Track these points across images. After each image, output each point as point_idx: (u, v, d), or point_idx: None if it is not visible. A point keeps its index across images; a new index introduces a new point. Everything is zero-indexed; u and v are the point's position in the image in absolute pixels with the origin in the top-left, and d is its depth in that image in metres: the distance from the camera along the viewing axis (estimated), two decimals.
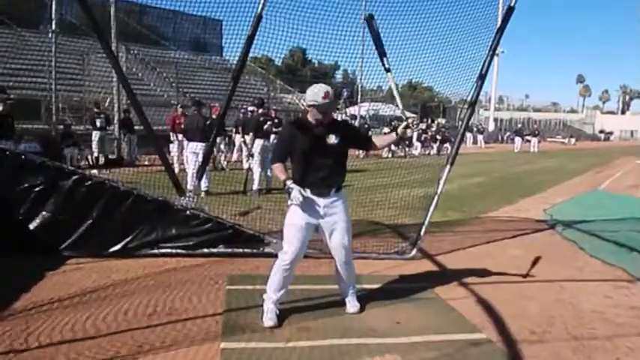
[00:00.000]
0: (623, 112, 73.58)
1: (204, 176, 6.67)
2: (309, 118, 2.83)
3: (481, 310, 3.15)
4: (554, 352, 2.63)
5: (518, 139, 25.33)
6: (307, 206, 2.75)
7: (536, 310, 3.23)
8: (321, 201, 2.77)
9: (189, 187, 6.41)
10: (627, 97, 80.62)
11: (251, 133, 7.56)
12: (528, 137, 25.75)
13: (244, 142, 9.81)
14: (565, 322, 3.05)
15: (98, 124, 10.55)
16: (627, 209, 7.07)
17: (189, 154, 7.38)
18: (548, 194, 9.16)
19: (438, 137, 19.62)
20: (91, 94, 13.98)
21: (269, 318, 2.78)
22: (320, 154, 2.75)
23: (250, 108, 8.32)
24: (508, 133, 33.85)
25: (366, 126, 16.55)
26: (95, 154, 10.69)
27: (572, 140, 39.18)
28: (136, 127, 11.31)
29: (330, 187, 2.79)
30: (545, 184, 10.68)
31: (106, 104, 11.79)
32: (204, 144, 6.85)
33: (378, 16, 5.02)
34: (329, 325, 2.83)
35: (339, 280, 3.05)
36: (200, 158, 6.74)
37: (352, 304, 3.04)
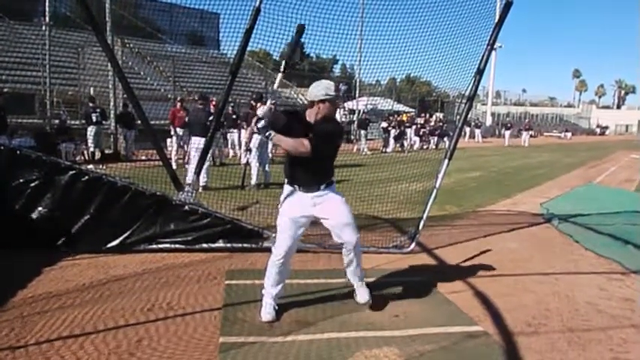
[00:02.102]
0: (618, 107, 73.91)
1: (204, 171, 6.70)
2: (309, 115, 2.78)
3: (478, 303, 3.18)
4: (549, 344, 2.66)
5: (507, 133, 25.34)
6: (299, 201, 2.77)
7: (532, 302, 3.27)
8: (310, 195, 2.77)
9: (189, 181, 6.56)
10: (622, 92, 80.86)
11: (249, 128, 7.54)
12: (523, 131, 25.92)
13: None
14: (560, 314, 3.09)
15: (94, 118, 10.44)
16: (622, 203, 7.12)
17: (192, 148, 7.43)
18: (545, 188, 9.21)
19: (438, 132, 19.70)
20: (86, 87, 13.84)
21: (267, 312, 2.79)
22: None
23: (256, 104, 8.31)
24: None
25: (367, 121, 16.57)
26: (91, 149, 10.61)
27: (568, 135, 39.34)
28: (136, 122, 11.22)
29: (319, 184, 2.79)
30: (541, 178, 10.75)
31: (92, 93, 11.60)
32: (204, 138, 6.90)
33: (377, 9, 5.01)
34: (327, 319, 2.84)
35: (349, 265, 2.94)
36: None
37: (362, 294, 2.96)
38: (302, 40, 2.83)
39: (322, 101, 2.73)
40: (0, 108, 7.88)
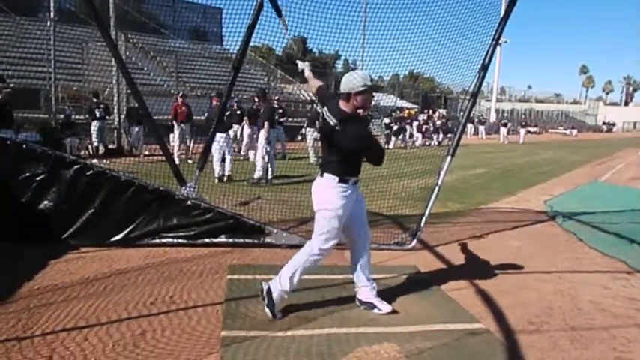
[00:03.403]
0: (626, 104, 73.20)
1: (228, 162, 7.63)
2: (344, 106, 2.68)
3: (480, 301, 3.18)
4: (551, 342, 2.65)
5: (503, 130, 25.00)
6: (352, 195, 2.78)
7: (534, 300, 3.26)
8: (355, 187, 2.82)
9: (217, 174, 7.40)
10: (630, 89, 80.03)
11: (266, 124, 7.59)
12: (520, 128, 25.67)
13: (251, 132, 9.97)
14: (563, 312, 3.07)
15: (97, 114, 10.45)
16: (627, 201, 7.06)
17: (214, 143, 7.87)
18: (549, 186, 9.15)
19: (442, 128, 19.62)
20: (90, 83, 13.90)
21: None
22: (352, 146, 2.71)
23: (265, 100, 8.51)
24: (510, 125, 33.79)
25: (369, 117, 16.53)
26: (95, 144, 10.64)
27: (574, 132, 39.08)
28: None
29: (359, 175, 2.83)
30: (545, 176, 10.67)
31: (105, 93, 11.63)
32: (226, 134, 7.75)
33: (380, 4, 4.97)
34: (328, 314, 2.85)
35: (361, 272, 2.91)
36: (225, 148, 7.62)
37: (383, 305, 2.90)
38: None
39: (361, 92, 2.64)
40: (6, 103, 7.93)
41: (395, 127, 17.43)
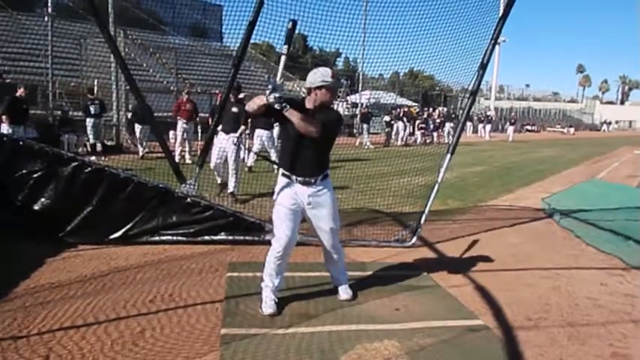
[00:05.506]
0: (622, 103, 73.50)
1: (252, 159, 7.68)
2: (308, 104, 2.81)
3: (479, 297, 3.19)
4: (549, 338, 2.67)
5: (487, 127, 24.34)
6: (295, 193, 2.79)
7: (532, 297, 3.27)
8: (306, 190, 2.79)
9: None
10: (626, 88, 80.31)
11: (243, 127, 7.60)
12: (508, 126, 25.36)
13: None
14: (561, 308, 3.09)
15: (92, 110, 10.28)
16: (624, 199, 7.10)
17: (256, 139, 8.04)
18: (547, 183, 9.19)
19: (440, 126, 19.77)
20: (88, 79, 13.80)
21: (268, 306, 2.80)
22: (305, 140, 2.71)
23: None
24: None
25: (370, 115, 16.55)
26: (90, 141, 10.54)
27: (571, 130, 39.23)
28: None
29: (315, 175, 2.80)
30: (543, 174, 10.71)
31: (95, 89, 11.46)
32: (268, 131, 7.69)
33: (381, 2, 4.95)
34: (328, 312, 2.86)
35: (330, 267, 3.10)
36: (266, 144, 7.64)
37: (345, 291, 3.06)
38: (295, 34, 2.81)
39: (319, 88, 2.75)
40: (24, 101, 8.06)
41: (401, 124, 17.69)
